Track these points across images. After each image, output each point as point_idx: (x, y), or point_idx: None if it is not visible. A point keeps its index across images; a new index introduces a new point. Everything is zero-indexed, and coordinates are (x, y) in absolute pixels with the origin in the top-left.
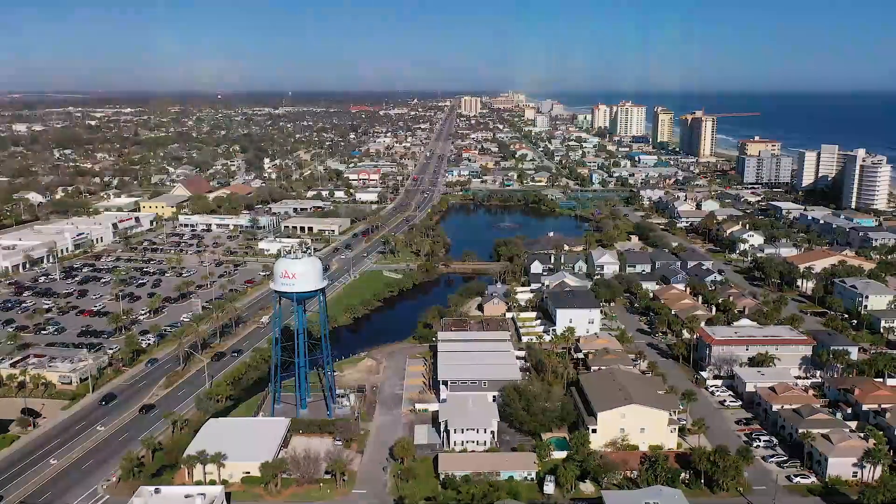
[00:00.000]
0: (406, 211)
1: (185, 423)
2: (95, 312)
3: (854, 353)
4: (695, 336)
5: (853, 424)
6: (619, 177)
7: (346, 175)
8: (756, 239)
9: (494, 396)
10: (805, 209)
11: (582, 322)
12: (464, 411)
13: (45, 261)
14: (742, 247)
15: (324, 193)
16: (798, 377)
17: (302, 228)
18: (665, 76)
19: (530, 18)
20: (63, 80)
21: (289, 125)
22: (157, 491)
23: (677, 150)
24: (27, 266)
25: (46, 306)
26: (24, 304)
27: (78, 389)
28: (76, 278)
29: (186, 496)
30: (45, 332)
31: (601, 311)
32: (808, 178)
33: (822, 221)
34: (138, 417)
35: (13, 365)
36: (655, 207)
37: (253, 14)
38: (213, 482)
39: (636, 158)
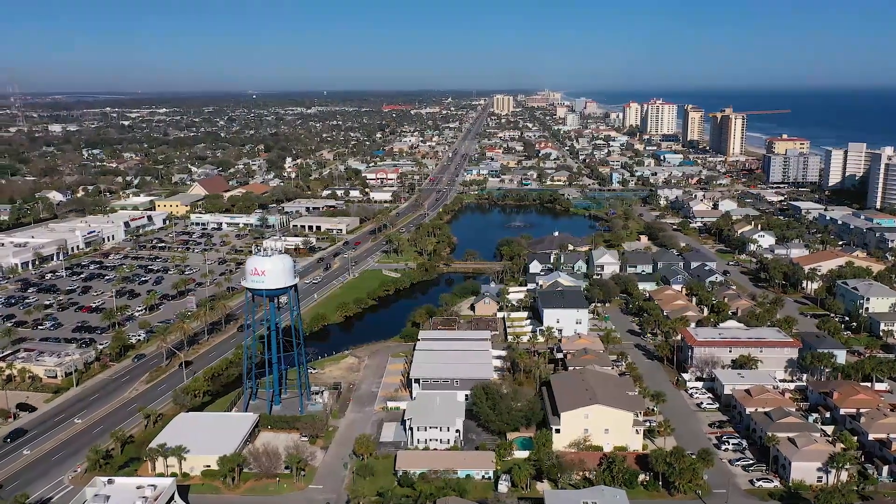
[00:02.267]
0: (418, 210)
1: (158, 417)
2: (93, 309)
3: (841, 357)
4: (680, 337)
5: (830, 429)
6: (641, 176)
7: (364, 174)
8: (767, 239)
9: (467, 395)
10: (825, 209)
11: (569, 322)
12: (429, 410)
13: (54, 258)
14: (752, 247)
15: (339, 193)
16: (783, 380)
17: (310, 227)
18: (701, 73)
19: (569, 16)
20: (105, 82)
21: (318, 124)
22: (110, 482)
23: (707, 148)
24: (37, 263)
25: (48, 302)
26: (27, 301)
27: (62, 383)
28: (81, 275)
29: (138, 487)
30: (41, 327)
31: (594, 312)
32: (834, 178)
33: (840, 222)
34: (115, 411)
35: (2, 359)
36: (671, 207)
37: (291, 14)
38: (174, 475)
39: (661, 157)
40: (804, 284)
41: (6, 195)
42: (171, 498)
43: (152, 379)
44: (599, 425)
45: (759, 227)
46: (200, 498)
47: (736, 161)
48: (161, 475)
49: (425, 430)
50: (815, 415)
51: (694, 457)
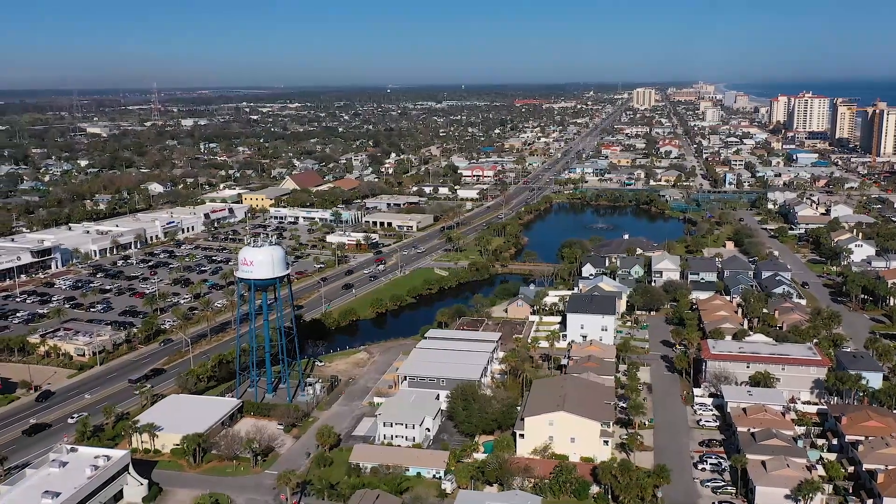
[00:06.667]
0: (499, 209)
1: (156, 396)
2: (145, 295)
3: (875, 380)
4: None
5: (832, 456)
6: (762, 177)
7: (460, 171)
8: (865, 249)
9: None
10: None
11: (594, 328)
12: (401, 406)
13: (132, 246)
14: (846, 258)
15: (427, 189)
16: (807, 402)
17: (381, 223)
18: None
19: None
20: (250, 78)
21: (441, 119)
22: (73, 449)
23: (858, 147)
24: (114, 251)
25: (108, 287)
26: (90, 284)
27: (89, 361)
28: (149, 263)
29: (95, 457)
30: (93, 309)
31: (635, 320)
32: None
33: None
34: (124, 389)
35: (42, 336)
36: (778, 212)
37: (435, 8)
38: (147, 451)
39: (793, 157)
40: (888, 301)
41: (115, 186)
42: (125, 469)
43: (169, 362)
44: (565, 433)
45: (860, 236)
46: (163, 473)
47: (885, 161)
48: (135, 450)
49: (391, 426)
50: (822, 440)
51: (637, 471)
